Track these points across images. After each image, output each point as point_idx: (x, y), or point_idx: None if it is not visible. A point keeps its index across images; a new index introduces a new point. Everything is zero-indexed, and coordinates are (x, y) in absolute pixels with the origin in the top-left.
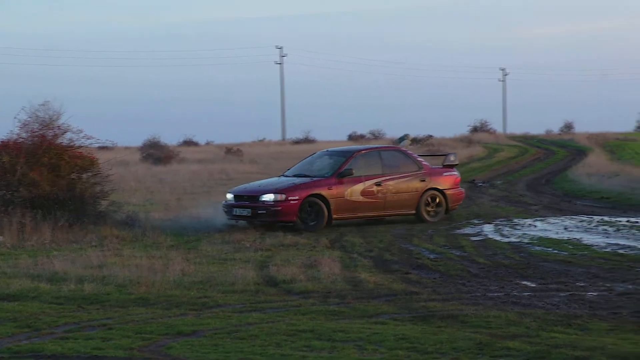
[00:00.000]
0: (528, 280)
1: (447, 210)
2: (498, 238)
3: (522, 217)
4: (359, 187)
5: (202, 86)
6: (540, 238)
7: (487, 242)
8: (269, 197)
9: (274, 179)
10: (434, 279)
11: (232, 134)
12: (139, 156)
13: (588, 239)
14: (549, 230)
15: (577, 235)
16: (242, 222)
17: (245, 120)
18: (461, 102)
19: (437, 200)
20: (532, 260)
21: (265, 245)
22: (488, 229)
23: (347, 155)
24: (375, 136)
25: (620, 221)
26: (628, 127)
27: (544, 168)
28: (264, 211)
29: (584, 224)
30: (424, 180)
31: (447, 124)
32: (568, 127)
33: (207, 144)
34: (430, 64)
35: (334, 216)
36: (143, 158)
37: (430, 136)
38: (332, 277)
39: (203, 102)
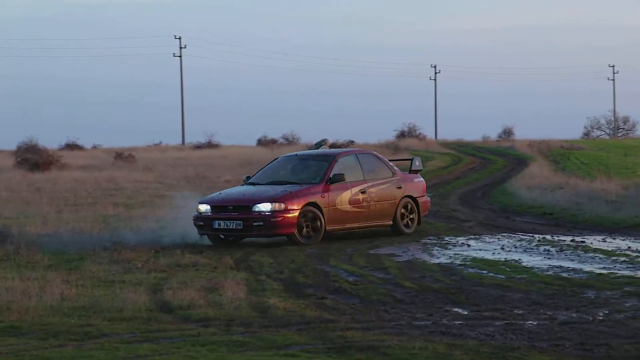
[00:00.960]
0: (460, 307)
1: (419, 221)
2: (426, 258)
3: (454, 234)
4: (347, 194)
5: (89, 82)
6: (474, 259)
7: (414, 263)
8: (265, 206)
9: (247, 187)
10: (353, 304)
11: (123, 137)
12: (12, 161)
13: (528, 260)
14: (484, 250)
15: (516, 256)
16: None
17: (138, 121)
18: (387, 104)
19: (410, 208)
20: (464, 284)
21: (160, 266)
22: (415, 248)
23: (330, 159)
24: (289, 141)
25: (564, 240)
26: (574, 134)
27: (479, 179)
28: (261, 223)
29: (524, 243)
30: (400, 187)
31: (371, 128)
32: (507, 133)
33: (94, 147)
34: (352, 61)
35: (327, 227)
36: (17, 163)
37: (352, 142)
38: (236, 302)
39: (89, 101)
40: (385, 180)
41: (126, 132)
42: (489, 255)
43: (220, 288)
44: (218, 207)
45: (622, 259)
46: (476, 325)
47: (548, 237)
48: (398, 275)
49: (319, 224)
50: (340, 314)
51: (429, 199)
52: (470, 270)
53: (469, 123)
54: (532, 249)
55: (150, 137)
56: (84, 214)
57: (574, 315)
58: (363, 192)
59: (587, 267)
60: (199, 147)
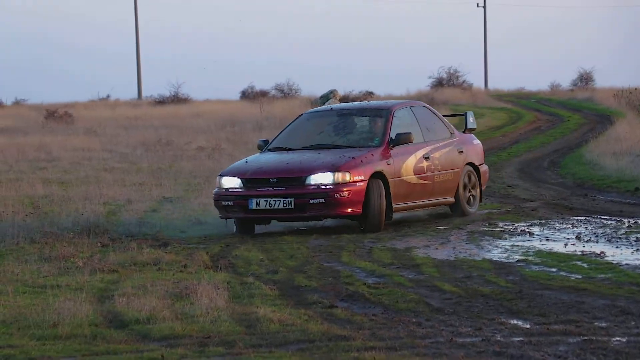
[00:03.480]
0: (519, 319)
1: (481, 197)
2: (474, 252)
3: (511, 219)
4: (412, 161)
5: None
6: (538, 252)
7: (456, 259)
8: (324, 177)
9: (282, 154)
10: (374, 315)
11: (56, 89)
12: None
13: (614, 253)
14: (553, 241)
15: (597, 249)
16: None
17: (78, 68)
18: (418, 43)
19: (472, 181)
20: (525, 288)
21: (109, 264)
22: (458, 238)
23: (384, 113)
24: (285, 94)
25: None
26: None
27: (546, 143)
28: (321, 200)
29: (608, 230)
30: (462, 152)
31: (395, 75)
32: (585, 79)
33: (16, 103)
34: None
35: (394, 205)
36: None
37: (371, 93)
38: (213, 313)
39: (4, 41)
40: (445, 142)
41: (61, 83)
42: (559, 248)
43: (192, 294)
44: (254, 181)
45: None
46: (542, 343)
47: None
48: (435, 276)
49: (387, 202)
50: (356, 329)
51: (487, 167)
52: (534, 268)
53: (532, 67)
54: (619, 238)
55: (95, 89)
56: (4, 195)
57: None
58: (427, 158)
59: None
60: (161, 102)
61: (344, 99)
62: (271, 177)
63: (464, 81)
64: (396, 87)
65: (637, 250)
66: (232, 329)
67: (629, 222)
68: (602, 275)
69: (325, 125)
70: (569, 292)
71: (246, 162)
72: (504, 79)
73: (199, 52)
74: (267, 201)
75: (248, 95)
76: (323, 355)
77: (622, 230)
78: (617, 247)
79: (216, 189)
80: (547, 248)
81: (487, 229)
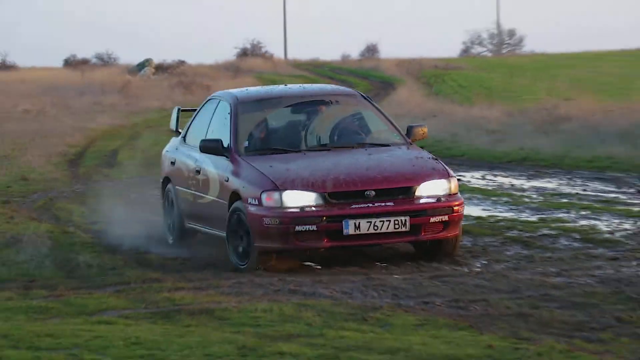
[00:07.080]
0: (312, 261)
1: None
2: None
3: None
4: None
5: None
6: None
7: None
8: (437, 186)
9: (314, 158)
10: (184, 260)
11: None
12: None
13: None
14: None
15: None
16: None
17: None
18: (224, 16)
19: None
20: None
21: None
22: None
23: (359, 98)
24: (104, 61)
25: None
26: (452, 51)
27: None
28: (444, 217)
29: None
30: None
31: (204, 46)
32: (371, 50)
33: None
34: None
35: None
36: None
37: (182, 62)
38: (37, 259)
39: None
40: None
41: None
42: None
43: (17, 242)
44: (343, 195)
45: (504, 199)
46: (331, 281)
47: None
48: None
49: None
50: (167, 272)
51: None
52: None
53: (326, 38)
54: None
55: None
56: None
57: (446, 267)
58: None
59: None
60: None
61: (158, 67)
62: (367, 189)
63: (265, 51)
64: (205, 56)
65: None
66: (54, 274)
67: None
68: None
69: (292, 117)
70: None
71: (288, 169)
72: (302, 49)
73: (24, 18)
74: (370, 222)
75: (71, 63)
76: (137, 296)
77: None
78: None
79: (267, 210)
80: None
81: None
